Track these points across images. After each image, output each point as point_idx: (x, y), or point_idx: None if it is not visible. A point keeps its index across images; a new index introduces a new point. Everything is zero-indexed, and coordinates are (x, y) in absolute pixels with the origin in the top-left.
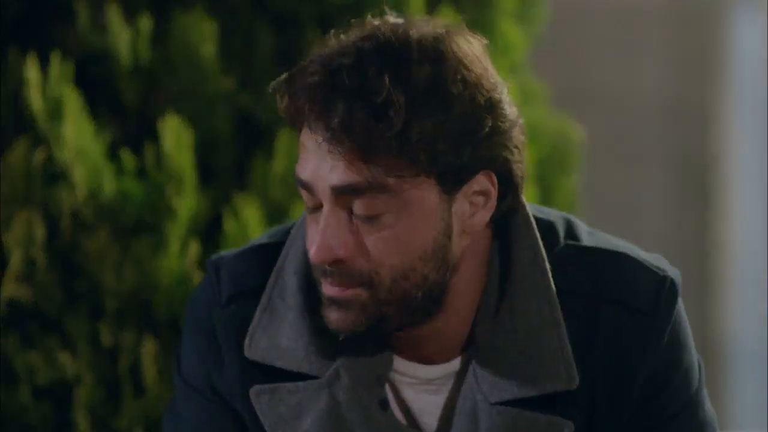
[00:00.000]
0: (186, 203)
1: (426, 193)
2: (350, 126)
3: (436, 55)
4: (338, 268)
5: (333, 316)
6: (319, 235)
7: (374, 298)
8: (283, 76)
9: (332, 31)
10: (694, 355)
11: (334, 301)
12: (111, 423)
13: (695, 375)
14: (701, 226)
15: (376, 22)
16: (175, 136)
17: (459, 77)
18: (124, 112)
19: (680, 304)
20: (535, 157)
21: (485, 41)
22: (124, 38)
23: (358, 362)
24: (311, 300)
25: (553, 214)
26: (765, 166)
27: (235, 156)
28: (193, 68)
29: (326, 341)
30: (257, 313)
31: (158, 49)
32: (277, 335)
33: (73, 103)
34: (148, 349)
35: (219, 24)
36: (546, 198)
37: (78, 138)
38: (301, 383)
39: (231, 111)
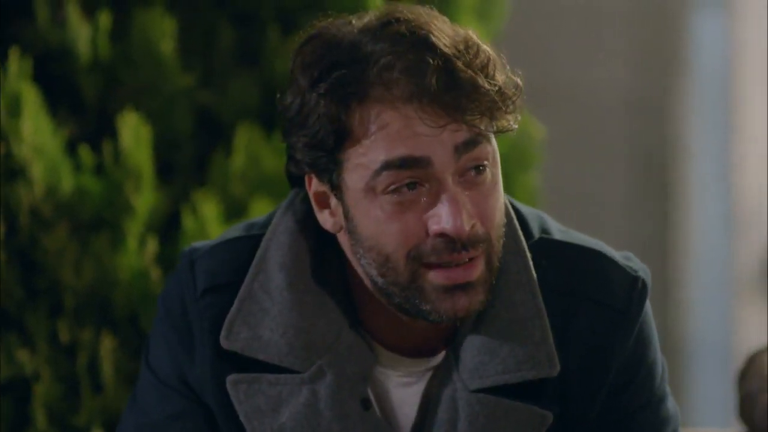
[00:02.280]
0: (144, 200)
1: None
2: (460, 84)
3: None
4: (469, 238)
5: (462, 303)
6: (455, 207)
7: (489, 267)
8: (331, 79)
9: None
10: (658, 351)
11: (460, 287)
12: (69, 419)
13: (659, 370)
14: (662, 223)
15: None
16: (133, 133)
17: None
18: (83, 108)
19: (648, 302)
20: None
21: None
22: (84, 34)
23: (343, 360)
24: (300, 296)
25: (525, 209)
26: (725, 162)
27: (194, 152)
28: (152, 65)
29: (312, 338)
30: (236, 304)
31: (118, 46)
32: (259, 327)
33: (31, 99)
34: (107, 345)
35: (179, 20)
36: (506, 194)
37: (36, 134)
38: (282, 376)
39: (190, 107)
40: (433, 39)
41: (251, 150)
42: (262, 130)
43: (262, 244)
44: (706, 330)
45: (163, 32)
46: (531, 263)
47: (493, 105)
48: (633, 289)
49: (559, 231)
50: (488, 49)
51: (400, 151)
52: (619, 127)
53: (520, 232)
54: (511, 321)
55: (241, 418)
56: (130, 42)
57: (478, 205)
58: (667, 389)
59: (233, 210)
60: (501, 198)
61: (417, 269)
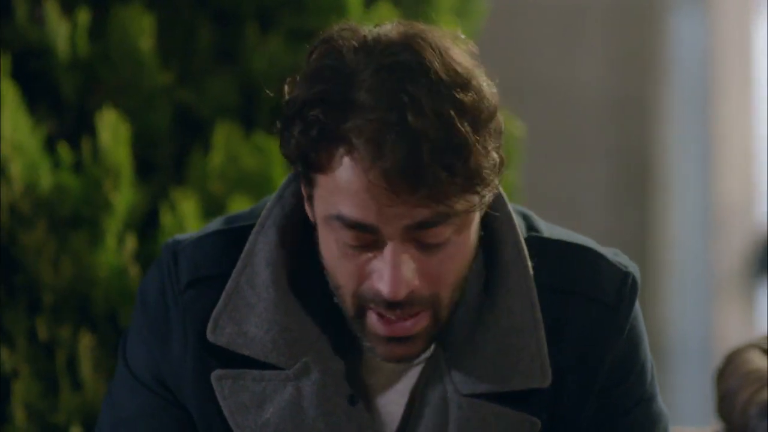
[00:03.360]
0: (123, 197)
1: (474, 212)
2: (421, 174)
3: (467, 82)
4: (410, 299)
5: (395, 352)
6: (393, 271)
7: (436, 320)
8: (293, 109)
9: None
10: (647, 350)
11: (396, 339)
12: (48, 417)
13: (649, 369)
14: (642, 221)
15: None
16: (112, 130)
17: (485, 105)
18: (62, 106)
19: (637, 300)
20: None
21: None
22: (62, 32)
23: (329, 357)
24: (285, 293)
25: (511, 208)
26: (705, 161)
27: (173, 150)
28: (131, 62)
29: (297, 334)
30: (222, 298)
31: (96, 43)
32: (245, 323)
33: (10, 96)
34: (85, 343)
35: (158, 18)
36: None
37: (15, 132)
38: (267, 372)
39: (169, 105)
40: (419, 106)
41: (230, 148)
42: (240, 129)
43: (251, 237)
44: (685, 328)
45: (141, 30)
46: (531, 273)
47: (457, 192)
48: (624, 284)
49: (545, 227)
50: (487, 108)
51: (353, 213)
52: (599, 126)
53: (522, 241)
54: (508, 329)
55: (225, 413)
56: (109, 40)
57: (429, 267)
58: (657, 388)
59: (212, 208)
60: (465, 257)
61: (362, 307)
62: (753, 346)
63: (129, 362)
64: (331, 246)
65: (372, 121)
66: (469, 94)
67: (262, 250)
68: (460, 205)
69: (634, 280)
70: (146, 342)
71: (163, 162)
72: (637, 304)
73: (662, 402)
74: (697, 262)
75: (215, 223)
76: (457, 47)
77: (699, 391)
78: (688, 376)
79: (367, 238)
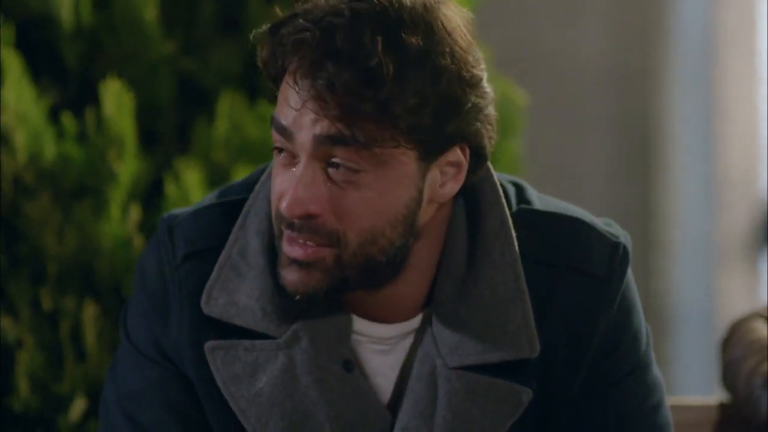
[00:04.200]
0: (127, 167)
1: (404, 159)
2: (336, 88)
3: (427, 26)
4: (307, 224)
5: (292, 277)
6: (293, 188)
7: (339, 261)
8: (267, 26)
9: None
10: (641, 319)
11: (296, 262)
12: (53, 387)
13: (643, 338)
14: (643, 191)
15: None
16: (116, 100)
17: (448, 50)
18: (66, 75)
19: (629, 269)
20: None
21: (470, 14)
22: (66, 1)
23: (317, 324)
24: (273, 261)
25: (503, 178)
26: (708, 131)
27: (177, 120)
28: (135, 32)
29: (286, 302)
30: (215, 270)
31: (100, 13)
32: (236, 293)
33: (14, 66)
34: (89, 313)
35: None
36: (489, 162)
37: (19, 102)
38: (258, 342)
39: (173, 75)
40: (342, 36)
41: (234, 117)
42: (244, 98)
43: (244, 210)
44: (688, 299)
45: (145, 0)
46: (515, 244)
47: (362, 118)
48: (614, 255)
49: (537, 198)
50: (438, 62)
51: (277, 114)
52: (602, 97)
53: (507, 213)
54: (492, 301)
55: (219, 384)
56: (113, 9)
57: (338, 201)
58: (652, 356)
59: (216, 177)
60: (384, 207)
61: (279, 229)
62: (757, 315)
63: (131, 336)
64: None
65: (303, 38)
66: (415, 38)
67: (253, 222)
68: (366, 134)
69: (625, 250)
70: (146, 316)
71: (167, 132)
72: (629, 274)
73: (658, 370)
74: (699, 232)
75: (210, 197)
76: (451, 12)
77: (702, 361)
78: (692, 347)
79: (287, 146)
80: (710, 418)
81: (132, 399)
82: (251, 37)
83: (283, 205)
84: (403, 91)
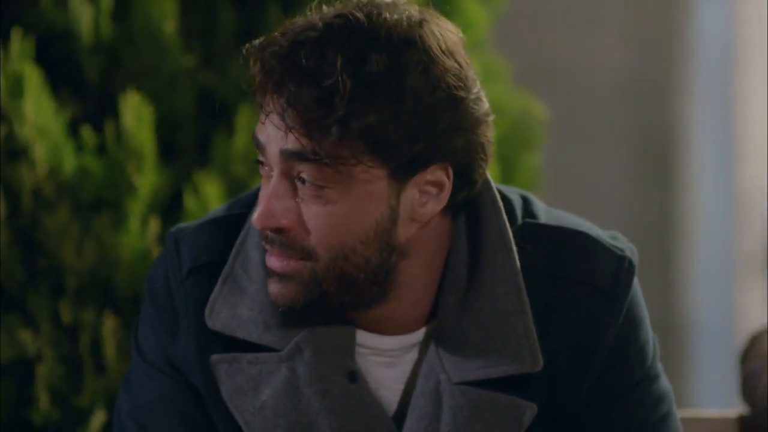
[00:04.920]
0: (146, 180)
1: (373, 177)
2: (296, 106)
3: (403, 44)
4: (279, 238)
5: (273, 288)
6: (265, 201)
7: (314, 275)
8: (257, 41)
9: (314, 3)
10: (648, 331)
11: (276, 273)
12: (72, 400)
13: (650, 350)
14: (663, 204)
15: (361, 1)
16: (135, 113)
17: (420, 69)
18: (85, 89)
19: (636, 281)
20: (497, 135)
21: (461, 35)
22: (86, 15)
23: (320, 336)
24: None
25: (510, 192)
26: (727, 144)
27: (196, 133)
28: (154, 45)
29: (287, 315)
30: (219, 283)
31: (120, 26)
32: (238, 306)
33: (33, 80)
34: (109, 326)
35: (180, 1)
36: (508, 176)
37: (38, 115)
38: (261, 354)
39: (192, 88)
40: (306, 53)
41: (253, 130)
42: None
43: (246, 223)
44: (707, 311)
45: (164, 13)
46: (516, 257)
47: (322, 136)
48: (620, 268)
49: (543, 212)
50: (409, 84)
51: (256, 129)
52: (621, 109)
53: (508, 226)
54: (494, 315)
55: (224, 397)
56: (132, 22)
57: (307, 216)
58: (659, 368)
59: (235, 190)
60: (351, 223)
61: (263, 243)
62: None
63: (142, 349)
64: None
65: (274, 52)
66: (381, 56)
67: (254, 235)
68: (327, 151)
69: (630, 264)
70: (155, 329)
71: (187, 145)
72: (635, 286)
73: (666, 382)
74: (718, 244)
75: (217, 210)
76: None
77: (721, 374)
78: (711, 360)
79: (264, 160)
80: (729, 430)
81: (144, 410)
82: (243, 54)
83: (255, 216)
84: (361, 109)
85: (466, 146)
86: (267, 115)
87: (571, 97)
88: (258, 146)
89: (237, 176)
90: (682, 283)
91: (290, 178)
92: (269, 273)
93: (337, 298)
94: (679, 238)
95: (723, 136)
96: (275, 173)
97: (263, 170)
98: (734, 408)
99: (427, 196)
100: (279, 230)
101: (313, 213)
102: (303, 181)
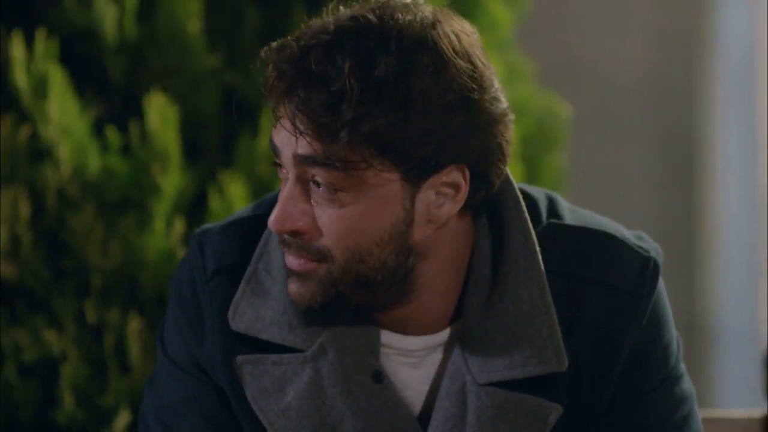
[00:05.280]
0: (171, 180)
1: (385, 181)
2: (306, 110)
3: (414, 46)
4: (296, 241)
5: (292, 288)
6: (281, 204)
7: (330, 276)
8: (274, 44)
9: (331, 4)
10: (672, 331)
11: (294, 273)
12: (97, 400)
13: (673, 350)
14: (687, 204)
15: (377, 2)
16: (160, 114)
17: (431, 71)
18: (110, 89)
19: (661, 281)
20: (521, 135)
21: (477, 35)
22: (110, 15)
23: (344, 336)
24: None
25: (534, 192)
26: (750, 144)
27: (221, 133)
28: (178, 45)
29: (311, 315)
30: (242, 285)
31: (144, 27)
32: (262, 307)
33: (58, 80)
34: (134, 326)
35: (205, 1)
36: (532, 175)
37: (63, 115)
38: (285, 356)
39: (217, 88)
40: (316, 57)
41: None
42: None
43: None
44: (731, 312)
45: (189, 13)
46: (540, 258)
47: (332, 139)
48: (644, 269)
49: (568, 212)
50: (420, 86)
51: (273, 136)
52: (644, 109)
53: (530, 227)
54: (518, 316)
55: (249, 398)
56: (157, 23)
57: (322, 219)
58: (683, 369)
59: (259, 190)
60: (367, 226)
61: (282, 247)
62: None
63: (167, 350)
64: None
65: (286, 57)
66: (390, 59)
67: (277, 236)
68: (338, 156)
69: (655, 264)
70: (181, 330)
71: (211, 145)
72: (660, 287)
73: (689, 383)
74: (742, 244)
75: (242, 211)
76: (456, 30)
77: (747, 374)
78: (736, 360)
79: (281, 163)
80: (754, 430)
81: (170, 411)
82: (258, 60)
83: (271, 219)
84: (369, 113)
85: (482, 147)
86: (278, 120)
87: (595, 97)
88: (274, 150)
89: (261, 176)
90: (706, 283)
91: (305, 181)
92: (288, 273)
93: (354, 299)
94: (703, 239)
95: (746, 136)
96: (290, 177)
97: (281, 173)
98: (759, 408)
99: (443, 197)
100: (295, 233)
101: (327, 216)
102: (317, 185)
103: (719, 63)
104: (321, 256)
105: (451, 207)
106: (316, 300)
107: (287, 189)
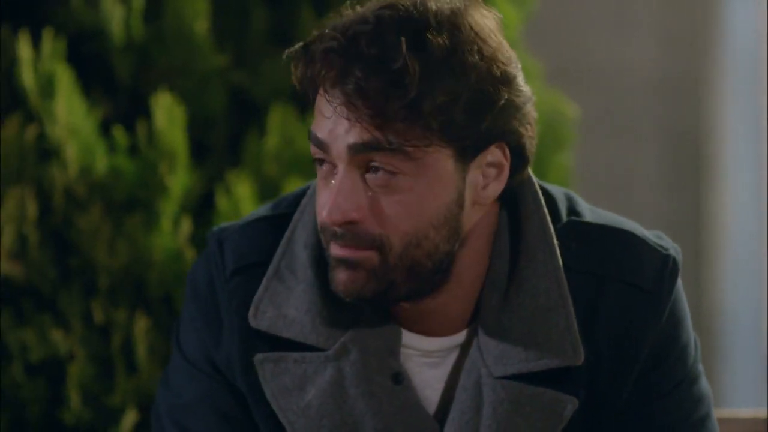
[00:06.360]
0: (178, 180)
1: (442, 160)
2: (365, 92)
3: (453, 26)
4: (350, 231)
5: (341, 277)
6: (332, 197)
7: (384, 263)
8: (298, 44)
9: (348, 2)
10: (690, 331)
11: (343, 262)
12: (104, 400)
13: (691, 350)
14: (695, 202)
15: None
16: (167, 113)
17: (475, 48)
18: (117, 89)
19: (679, 280)
20: None
21: (500, 16)
22: (117, 15)
23: (366, 336)
24: (322, 273)
25: (553, 189)
26: (757, 143)
27: (228, 133)
28: (186, 45)
29: (335, 314)
30: (264, 283)
31: (151, 26)
32: (285, 305)
33: (65, 80)
34: (141, 326)
35: (212, 0)
36: (540, 175)
37: (70, 115)
38: (307, 354)
39: (224, 88)
40: (367, 42)
41: (285, 130)
42: (295, 111)
43: (291, 224)
44: (739, 310)
45: (196, 12)
46: (558, 252)
47: (391, 120)
48: (664, 268)
49: (588, 210)
50: (468, 60)
51: (314, 128)
52: (652, 107)
53: (549, 220)
54: (535, 309)
55: (268, 397)
56: (164, 22)
57: (378, 206)
58: (700, 369)
59: (267, 190)
60: (424, 210)
61: (327, 241)
62: None
63: (183, 350)
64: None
65: (329, 48)
66: (440, 38)
67: (300, 236)
68: (399, 136)
69: (674, 263)
70: (198, 330)
71: (218, 145)
72: (679, 286)
73: (706, 383)
74: (749, 242)
75: (260, 210)
76: (479, 14)
77: (754, 374)
78: (743, 359)
79: (326, 158)
80: (761, 430)
81: (184, 409)
82: (284, 57)
83: (324, 213)
84: (431, 89)
85: (519, 124)
86: (335, 110)
87: (603, 96)
88: (319, 145)
89: (268, 176)
90: (714, 282)
91: (359, 170)
92: (334, 264)
93: (404, 288)
94: (711, 237)
95: (753, 135)
96: (340, 169)
97: (321, 170)
98: (766, 407)
99: (487, 178)
100: (349, 223)
101: (386, 202)
102: (375, 171)
103: (726, 62)
104: (376, 245)
105: (495, 187)
106: (367, 289)
107: (338, 181)
